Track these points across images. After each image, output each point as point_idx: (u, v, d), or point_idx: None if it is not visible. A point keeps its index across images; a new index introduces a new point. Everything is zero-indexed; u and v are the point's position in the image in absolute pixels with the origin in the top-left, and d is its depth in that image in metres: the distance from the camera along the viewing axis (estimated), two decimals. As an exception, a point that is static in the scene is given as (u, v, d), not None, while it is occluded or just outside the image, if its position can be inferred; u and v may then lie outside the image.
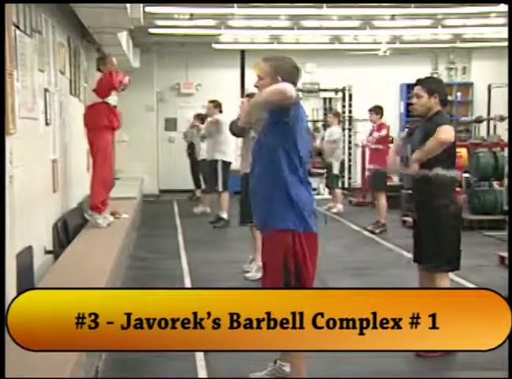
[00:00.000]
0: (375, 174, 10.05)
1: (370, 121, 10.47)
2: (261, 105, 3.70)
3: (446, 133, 4.62)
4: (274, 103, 3.63)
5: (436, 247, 4.69)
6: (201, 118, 11.91)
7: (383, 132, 10.10)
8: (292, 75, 3.84)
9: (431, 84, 4.79)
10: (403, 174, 5.03)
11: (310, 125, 14.74)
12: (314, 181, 13.65)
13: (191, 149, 13.10)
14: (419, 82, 4.82)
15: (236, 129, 6.88)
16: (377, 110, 10.11)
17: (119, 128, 7.47)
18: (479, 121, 12.59)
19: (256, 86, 3.87)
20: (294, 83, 3.86)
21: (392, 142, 10.50)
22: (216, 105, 10.50)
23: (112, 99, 7.19)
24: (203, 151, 11.65)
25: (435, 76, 12.97)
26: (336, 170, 11.97)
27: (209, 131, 10.51)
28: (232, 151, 10.50)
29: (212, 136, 10.48)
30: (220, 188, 10.42)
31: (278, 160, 3.73)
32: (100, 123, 7.02)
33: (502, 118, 10.34)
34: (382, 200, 9.80)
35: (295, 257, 3.74)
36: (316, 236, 3.85)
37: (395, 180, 12.16)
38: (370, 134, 10.42)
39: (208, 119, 10.62)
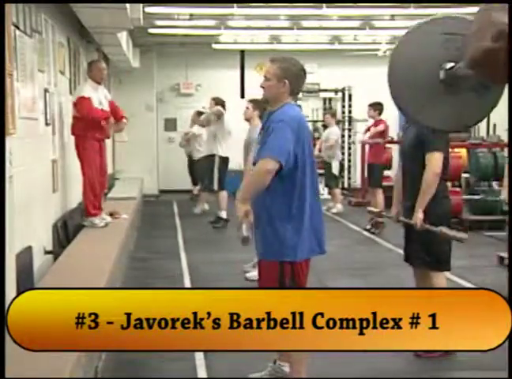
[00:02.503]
0: (372, 171, 10.05)
1: (369, 117, 10.49)
2: (252, 191, 3.73)
3: (437, 162, 4.58)
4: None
5: (427, 248, 4.68)
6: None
7: (380, 127, 10.08)
8: (299, 78, 3.83)
9: None
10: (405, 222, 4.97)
11: (309, 125, 14.84)
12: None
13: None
14: None
15: None
16: (376, 107, 10.11)
17: (107, 138, 7.46)
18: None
19: (262, 87, 3.85)
20: (299, 86, 3.87)
21: (390, 142, 10.53)
22: (218, 102, 10.41)
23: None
24: (199, 151, 11.70)
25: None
26: (335, 170, 11.95)
27: (209, 119, 10.41)
28: (229, 147, 10.42)
29: (210, 124, 10.39)
30: (215, 187, 10.33)
31: (277, 189, 3.71)
32: (81, 133, 7.02)
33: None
34: (379, 197, 9.76)
35: (290, 283, 3.76)
36: (309, 260, 3.89)
37: (394, 180, 12.16)
38: (368, 130, 10.42)
39: (213, 109, 10.43)
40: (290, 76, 3.77)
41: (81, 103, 6.98)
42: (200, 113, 12.11)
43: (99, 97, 7.18)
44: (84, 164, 7.08)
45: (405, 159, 4.88)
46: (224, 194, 10.31)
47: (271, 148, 3.64)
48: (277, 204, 3.74)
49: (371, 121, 10.53)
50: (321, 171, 12.49)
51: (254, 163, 3.81)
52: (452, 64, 2.87)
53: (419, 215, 4.58)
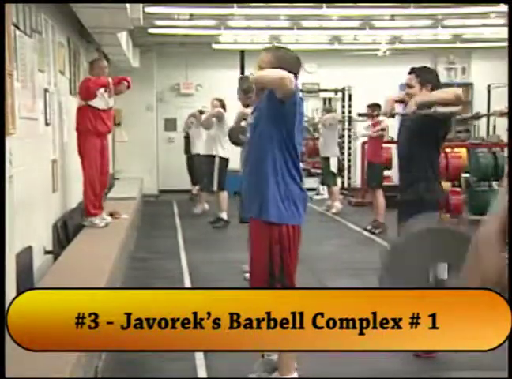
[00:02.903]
0: (371, 170, 10.04)
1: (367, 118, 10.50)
2: (262, 82, 3.75)
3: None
4: (273, 87, 3.67)
5: None
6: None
7: (383, 124, 10.04)
8: (294, 66, 3.83)
9: (423, 74, 4.75)
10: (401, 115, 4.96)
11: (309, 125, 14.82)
12: (314, 182, 13.65)
13: (187, 143, 13.10)
14: (412, 71, 4.80)
15: (235, 137, 6.82)
16: (374, 108, 10.11)
17: (108, 132, 7.45)
18: (477, 117, 12.55)
19: None
20: (296, 74, 3.87)
21: (390, 142, 10.52)
22: (223, 104, 10.46)
23: (100, 102, 7.15)
24: (197, 146, 11.65)
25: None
26: (332, 167, 11.92)
27: (210, 123, 10.39)
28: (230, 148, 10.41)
29: (210, 127, 10.38)
30: (215, 187, 10.31)
31: (271, 152, 3.76)
32: (83, 127, 7.03)
33: (501, 114, 10.17)
34: (380, 198, 9.75)
35: (280, 249, 3.79)
36: (300, 227, 3.90)
37: (394, 180, 12.16)
38: (373, 125, 10.39)
39: (213, 110, 10.41)
40: (284, 63, 3.77)
41: (83, 82, 7.09)
42: (202, 112, 12.10)
43: (101, 92, 7.18)
44: (85, 163, 7.09)
45: (402, 146, 4.88)
46: (224, 195, 10.29)
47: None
48: (283, 168, 3.78)
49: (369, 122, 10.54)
50: (319, 171, 12.52)
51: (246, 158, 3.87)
52: (441, 276, 2.97)
53: (413, 103, 4.52)
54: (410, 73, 4.76)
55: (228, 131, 7.57)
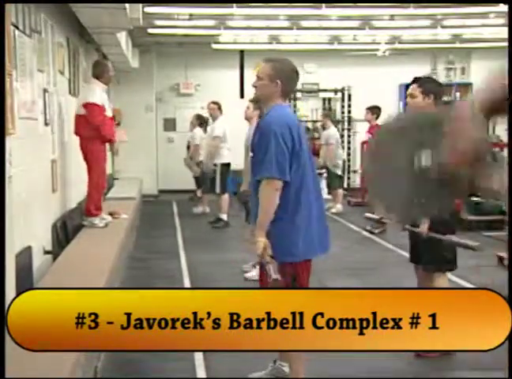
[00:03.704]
0: None
1: (365, 120, 10.47)
2: (269, 215, 3.69)
3: None
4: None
5: (433, 247, 4.68)
6: (202, 120, 11.94)
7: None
8: (291, 79, 3.85)
9: (426, 85, 4.72)
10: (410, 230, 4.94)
11: (309, 125, 14.82)
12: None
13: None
14: (415, 81, 4.77)
15: (244, 199, 6.63)
16: (373, 110, 10.08)
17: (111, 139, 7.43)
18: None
19: (254, 86, 3.87)
20: (291, 87, 3.89)
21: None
22: (220, 107, 10.57)
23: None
24: (201, 154, 11.77)
25: (434, 76, 12.95)
26: (338, 171, 11.94)
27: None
28: (228, 150, 10.50)
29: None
30: (218, 190, 10.45)
31: (280, 197, 3.69)
32: (90, 134, 6.98)
33: None
34: None
35: (293, 283, 3.76)
36: (311, 260, 3.91)
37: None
38: (369, 131, 10.37)
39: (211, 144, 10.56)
40: (282, 76, 3.79)
41: (95, 111, 6.90)
42: (199, 116, 12.14)
43: (106, 100, 7.16)
44: (92, 166, 7.04)
45: None
46: (225, 197, 10.43)
47: (270, 166, 3.63)
48: (279, 206, 3.72)
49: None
50: (322, 171, 12.50)
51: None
52: (424, 164, 2.89)
53: (425, 224, 4.52)
54: (413, 83, 4.72)
55: (238, 195, 7.66)
